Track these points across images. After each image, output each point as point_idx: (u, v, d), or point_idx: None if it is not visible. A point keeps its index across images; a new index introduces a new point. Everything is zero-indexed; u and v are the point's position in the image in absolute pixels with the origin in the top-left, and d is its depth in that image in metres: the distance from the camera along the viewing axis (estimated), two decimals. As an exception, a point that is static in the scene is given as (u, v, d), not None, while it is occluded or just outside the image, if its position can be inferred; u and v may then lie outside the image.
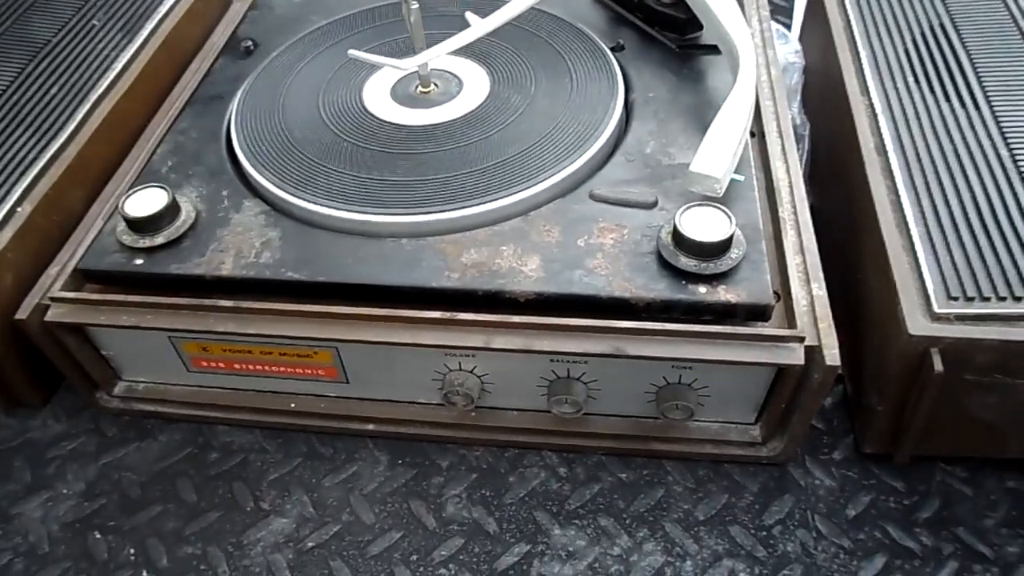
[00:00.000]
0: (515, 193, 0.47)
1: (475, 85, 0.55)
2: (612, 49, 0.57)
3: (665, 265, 0.43)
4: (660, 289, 0.43)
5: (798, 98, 0.64)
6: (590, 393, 0.47)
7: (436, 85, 0.55)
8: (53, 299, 0.46)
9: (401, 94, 0.55)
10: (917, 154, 0.48)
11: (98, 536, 0.47)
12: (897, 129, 0.50)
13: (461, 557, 0.45)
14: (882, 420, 0.45)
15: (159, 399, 0.52)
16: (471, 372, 0.46)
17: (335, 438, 0.51)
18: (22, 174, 0.52)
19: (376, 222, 0.47)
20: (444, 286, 0.44)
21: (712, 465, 0.49)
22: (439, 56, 0.52)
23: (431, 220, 0.46)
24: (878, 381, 0.45)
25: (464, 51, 0.55)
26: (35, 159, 0.52)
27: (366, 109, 0.54)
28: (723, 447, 0.48)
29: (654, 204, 0.47)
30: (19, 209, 0.50)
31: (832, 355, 0.41)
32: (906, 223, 0.45)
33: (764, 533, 0.46)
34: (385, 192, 0.48)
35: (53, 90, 0.57)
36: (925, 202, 0.46)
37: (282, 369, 0.49)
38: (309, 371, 0.49)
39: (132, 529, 0.48)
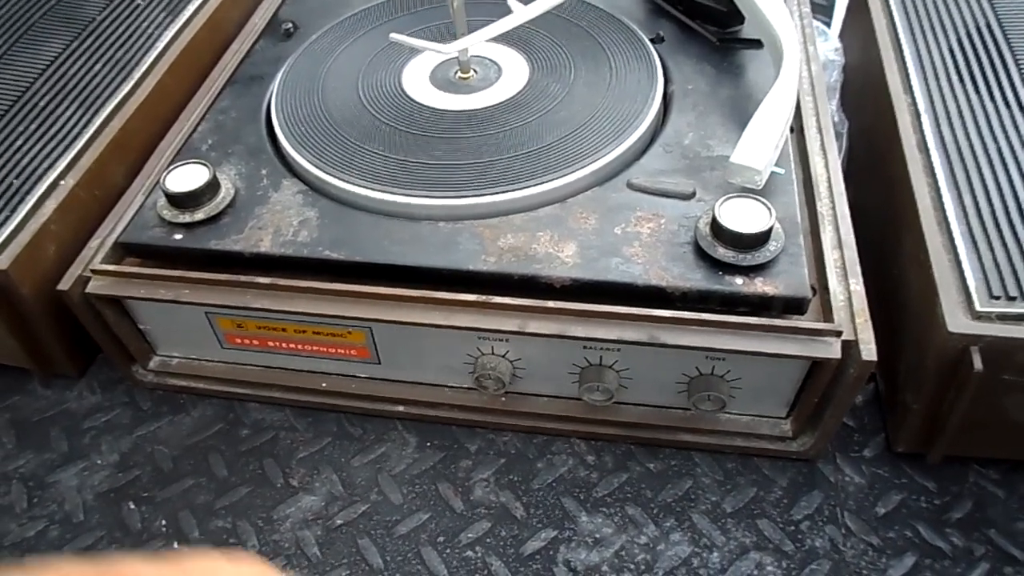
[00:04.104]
0: (553, 180, 0.47)
1: (514, 72, 0.55)
2: (652, 40, 0.57)
3: (702, 255, 0.43)
4: (697, 279, 0.42)
5: (837, 96, 0.64)
6: (621, 382, 0.46)
7: (475, 71, 0.55)
8: (94, 271, 0.47)
9: (440, 79, 0.55)
10: (960, 152, 0.48)
11: (131, 507, 0.48)
12: (939, 127, 0.49)
13: (488, 540, 0.46)
14: (916, 419, 0.45)
15: (192, 375, 0.53)
16: (503, 356, 0.47)
17: (365, 419, 0.52)
18: (66, 148, 0.52)
19: (414, 204, 0.47)
20: (480, 269, 0.44)
21: (741, 458, 0.49)
22: (480, 42, 0.52)
23: (468, 204, 0.47)
24: (914, 379, 0.45)
25: (503, 38, 0.55)
26: (79, 134, 0.53)
27: (405, 93, 0.54)
28: (753, 440, 0.48)
29: (692, 195, 0.47)
30: (63, 182, 0.51)
31: (868, 350, 0.41)
32: (947, 221, 0.44)
33: (792, 528, 0.45)
34: (423, 175, 0.48)
35: (97, 67, 0.58)
36: (967, 200, 0.45)
37: (315, 348, 0.49)
38: (342, 351, 0.49)
39: (164, 501, 0.48)
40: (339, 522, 0.47)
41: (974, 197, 0.45)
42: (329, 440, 0.51)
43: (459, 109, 0.53)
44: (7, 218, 0.48)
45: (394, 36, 0.52)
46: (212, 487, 0.49)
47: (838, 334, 0.41)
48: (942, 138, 0.49)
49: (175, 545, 0.46)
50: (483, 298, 0.43)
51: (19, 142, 0.52)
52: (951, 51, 0.55)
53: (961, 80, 0.52)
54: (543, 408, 0.49)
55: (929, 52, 0.55)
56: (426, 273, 0.45)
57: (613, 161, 0.49)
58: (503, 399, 0.49)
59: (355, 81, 0.55)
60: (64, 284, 0.47)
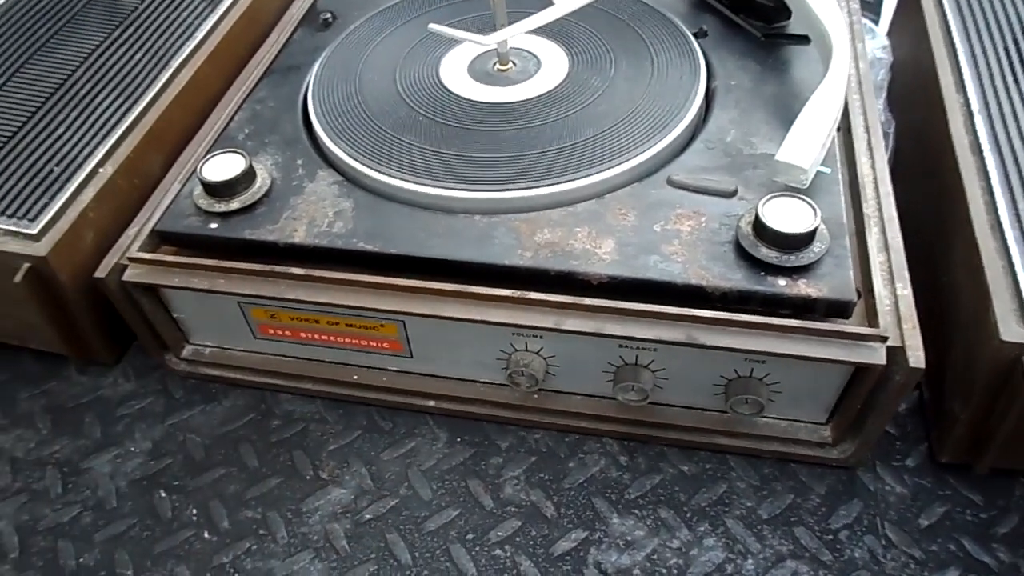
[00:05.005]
0: (592, 175, 0.46)
1: (553, 65, 0.54)
2: (695, 35, 0.56)
3: (744, 255, 0.42)
4: (737, 279, 0.41)
5: (884, 94, 0.62)
6: (657, 382, 0.46)
7: (514, 63, 0.54)
8: (131, 259, 0.47)
9: (479, 71, 0.54)
10: (1015, 154, 0.46)
11: (163, 495, 0.48)
12: (994, 129, 0.48)
13: (517, 539, 0.45)
14: (963, 428, 0.43)
15: (225, 364, 0.53)
16: (537, 353, 0.46)
17: (395, 412, 0.51)
18: (105, 136, 0.53)
19: (450, 197, 0.46)
20: (516, 264, 0.43)
21: (778, 464, 0.47)
22: (519, 34, 0.52)
23: (505, 198, 0.46)
24: (961, 387, 0.43)
25: (543, 31, 0.55)
26: (118, 122, 0.53)
27: (443, 84, 0.54)
28: (791, 446, 0.47)
29: (734, 193, 0.45)
30: (101, 170, 0.51)
31: (916, 357, 0.39)
32: (1000, 225, 0.43)
33: (830, 537, 0.44)
34: (459, 167, 0.48)
35: (137, 56, 0.58)
36: (1021, 204, 0.44)
37: (347, 340, 0.49)
38: (374, 343, 0.49)
39: (196, 490, 0.48)
40: (368, 516, 0.47)
41: (1030, 200, 0.44)
42: (359, 433, 0.50)
43: (497, 101, 0.52)
44: (46, 205, 0.48)
45: (433, 27, 0.52)
46: (243, 477, 0.49)
47: (884, 339, 0.40)
48: (996, 139, 0.47)
49: (205, 534, 0.46)
50: (519, 294, 0.43)
51: (60, 130, 0.53)
52: (1006, 50, 0.53)
53: (1016, 80, 0.50)
54: (576, 406, 0.49)
55: (983, 50, 0.53)
56: (461, 267, 0.44)
57: (653, 157, 0.48)
58: (535, 396, 0.49)
59: (392, 72, 0.55)
60: (101, 272, 0.47)
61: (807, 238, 0.41)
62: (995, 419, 0.41)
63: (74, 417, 0.52)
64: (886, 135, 0.59)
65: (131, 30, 0.60)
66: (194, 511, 0.47)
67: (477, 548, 0.45)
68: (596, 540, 0.45)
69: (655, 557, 0.44)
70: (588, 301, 0.42)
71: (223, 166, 0.48)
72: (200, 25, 0.61)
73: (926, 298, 0.44)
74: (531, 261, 0.43)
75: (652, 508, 0.46)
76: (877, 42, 0.65)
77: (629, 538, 0.45)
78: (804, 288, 0.41)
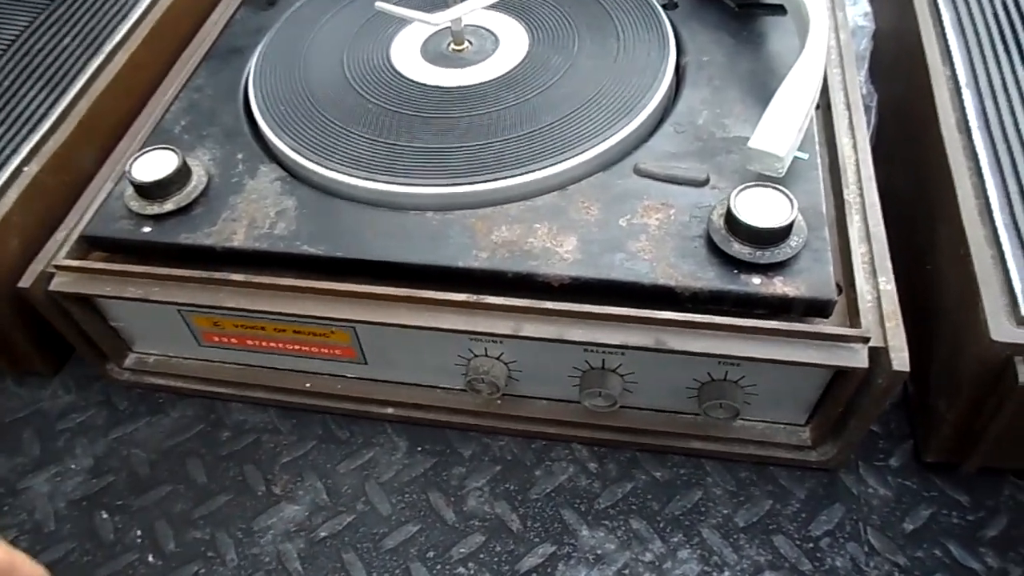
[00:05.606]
0: (552, 165, 0.43)
1: (512, 43, 0.50)
2: (664, 7, 0.52)
3: (716, 251, 0.39)
4: (709, 278, 0.38)
5: (865, 66, 0.59)
6: (626, 386, 0.43)
7: (470, 43, 0.51)
8: (57, 267, 0.44)
9: (432, 52, 0.51)
10: (1005, 133, 0.43)
11: (105, 516, 0.45)
12: (983, 104, 0.45)
13: (481, 556, 0.43)
14: (949, 428, 0.41)
15: (170, 373, 0.50)
16: (498, 359, 0.43)
17: (352, 421, 0.48)
18: (31, 131, 0.49)
19: (400, 193, 0.43)
20: (471, 266, 0.40)
21: (756, 467, 0.45)
22: (474, 10, 0.48)
23: (459, 192, 0.43)
24: (948, 385, 0.40)
25: (501, 6, 0.51)
26: (45, 115, 0.50)
27: (394, 68, 0.50)
28: (769, 449, 0.44)
29: (705, 182, 0.42)
30: (26, 169, 0.47)
31: (900, 359, 0.37)
32: (990, 211, 0.40)
33: (811, 545, 0.42)
34: (411, 160, 0.44)
35: (66, 40, 0.54)
36: (1012, 187, 0.41)
37: (297, 347, 0.46)
38: (325, 350, 0.46)
39: (140, 510, 0.45)
40: (323, 534, 0.44)
41: (1020, 184, 0.41)
42: (314, 444, 0.48)
43: (451, 85, 0.48)
44: (-35, 209, 0.45)
45: (380, 5, 0.48)
46: (190, 495, 0.46)
47: (865, 340, 0.37)
48: (986, 116, 0.44)
49: (150, 558, 0.43)
50: (474, 298, 0.40)
51: (-21, 125, 0.49)
52: (995, 17, 0.49)
53: (1007, 50, 0.47)
54: (542, 412, 0.46)
55: (972, 18, 0.49)
56: (413, 270, 0.41)
57: (619, 143, 0.44)
58: (499, 402, 0.46)
59: (340, 55, 0.51)
60: (25, 281, 0.43)
61: (783, 232, 0.38)
62: (983, 419, 0.39)
63: (11, 433, 0.49)
64: (868, 109, 0.56)
65: (59, 12, 0.56)
66: (138, 533, 0.45)
67: (439, 566, 0.42)
68: (564, 555, 0.42)
69: (626, 572, 0.42)
70: (549, 305, 0.39)
71: (154, 164, 0.44)
72: (135, 5, 0.57)
73: (909, 290, 0.41)
74: (487, 262, 0.40)
75: (623, 519, 0.43)
76: (858, 8, 0.61)
77: (599, 551, 0.42)
78: (780, 287, 0.38)
